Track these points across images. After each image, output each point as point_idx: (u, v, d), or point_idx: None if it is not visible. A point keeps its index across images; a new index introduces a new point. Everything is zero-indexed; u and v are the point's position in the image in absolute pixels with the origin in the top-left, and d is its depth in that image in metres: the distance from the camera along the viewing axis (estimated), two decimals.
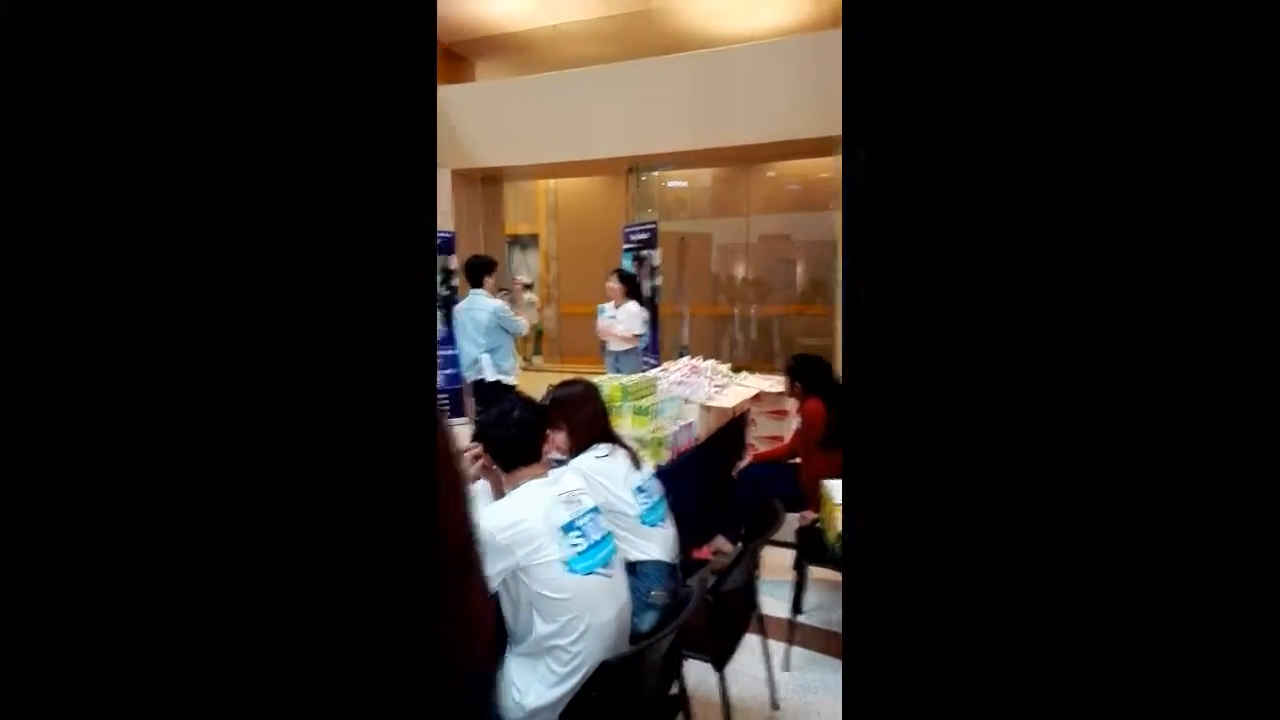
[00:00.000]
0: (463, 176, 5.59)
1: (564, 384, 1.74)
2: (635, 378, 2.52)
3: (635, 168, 5.80)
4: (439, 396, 5.44)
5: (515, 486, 1.36)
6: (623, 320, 4.17)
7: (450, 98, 5.30)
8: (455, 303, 5.43)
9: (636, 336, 4.19)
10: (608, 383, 2.30)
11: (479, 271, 3.52)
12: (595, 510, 1.37)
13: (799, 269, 6.72)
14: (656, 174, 6.06)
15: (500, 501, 1.34)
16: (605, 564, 1.31)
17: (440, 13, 5.32)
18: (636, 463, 1.67)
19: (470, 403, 3.72)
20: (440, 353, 5.41)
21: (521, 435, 1.38)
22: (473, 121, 5.25)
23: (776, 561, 2.31)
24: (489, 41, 6.05)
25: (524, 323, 3.58)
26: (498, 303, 3.51)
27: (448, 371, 5.45)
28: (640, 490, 1.62)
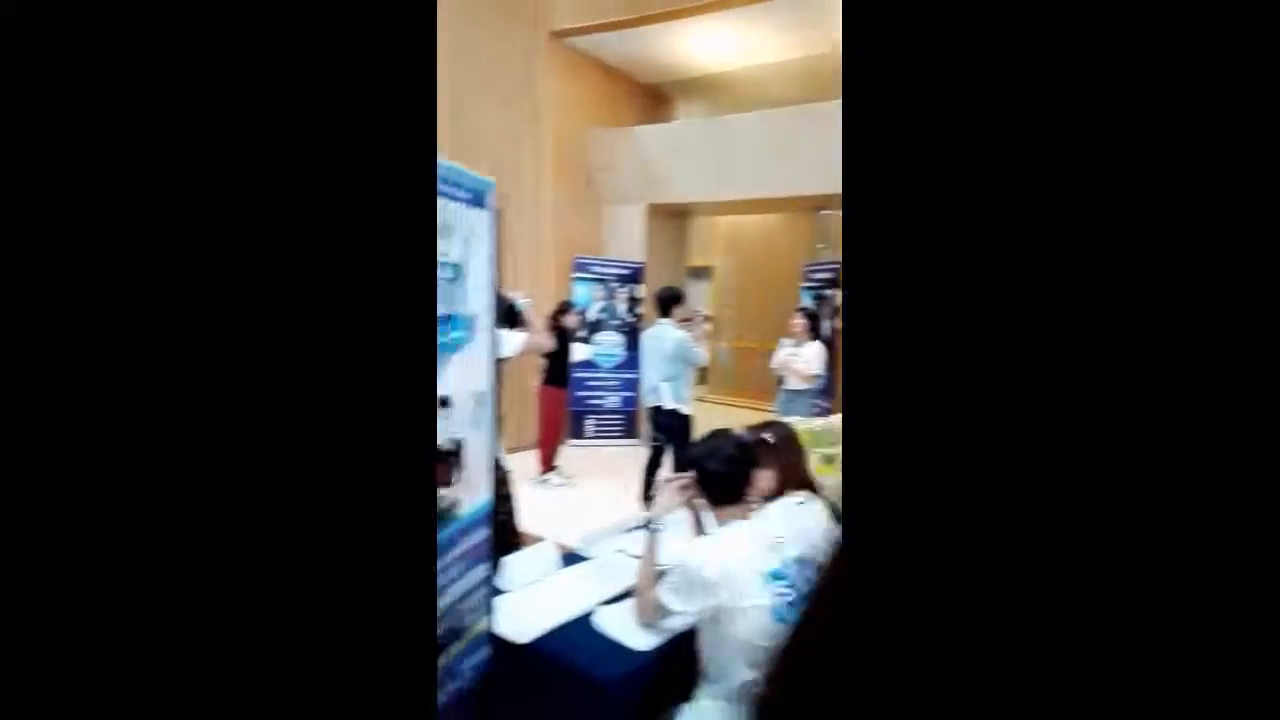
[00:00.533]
0: (655, 211, 5.87)
1: (769, 424, 1.74)
2: (820, 423, 2.46)
3: (822, 206, 5.70)
4: (615, 418, 5.72)
5: (721, 523, 1.39)
6: (805, 357, 4.08)
7: (647, 136, 5.63)
8: (639, 329, 5.74)
9: (815, 376, 4.08)
10: (794, 427, 2.27)
11: (668, 303, 3.69)
12: (802, 560, 1.35)
13: None
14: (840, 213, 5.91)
15: (707, 538, 1.37)
16: None
17: (643, 54, 5.74)
18: (837, 515, 1.62)
19: (646, 427, 3.86)
20: (617, 376, 5.70)
21: (731, 472, 1.41)
22: (669, 159, 5.51)
23: None
24: (689, 83, 6.34)
25: (704, 354, 3.68)
26: (682, 334, 3.65)
27: (625, 394, 5.71)
28: None
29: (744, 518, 1.38)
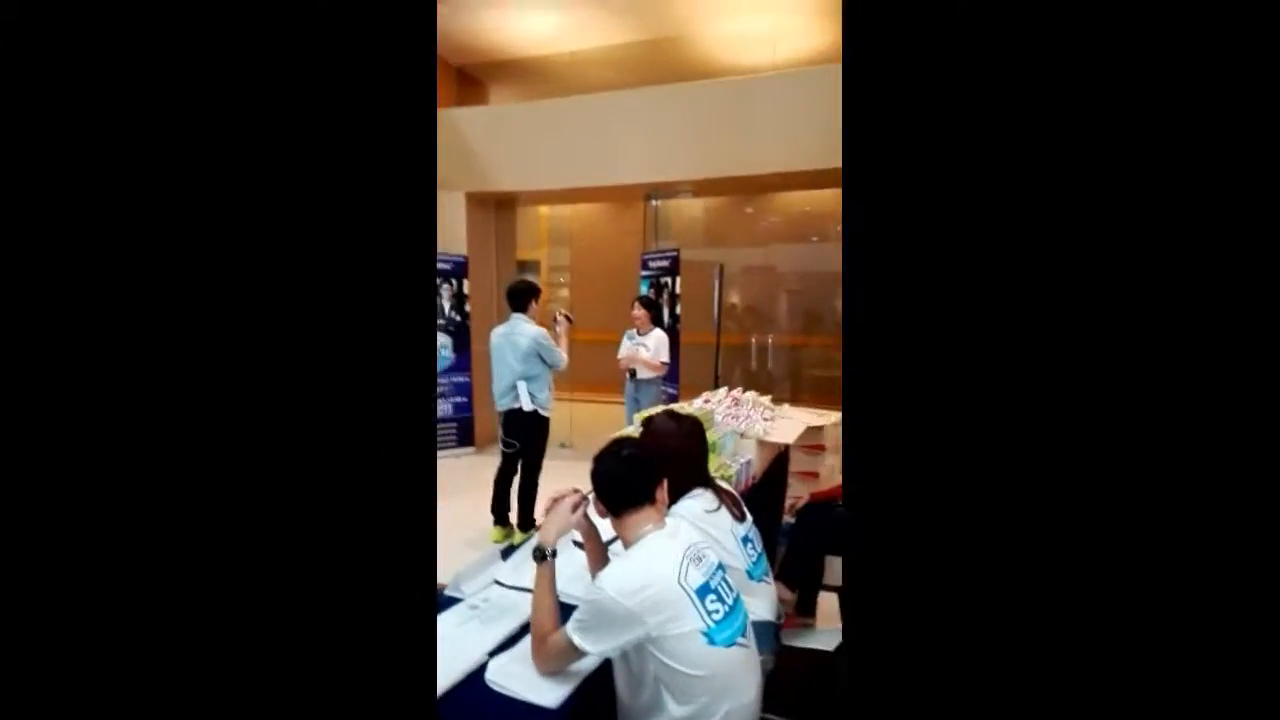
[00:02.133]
0: (477, 200, 5.46)
1: (667, 414, 1.58)
2: (695, 409, 2.37)
3: (652, 194, 5.71)
4: (448, 426, 5.23)
5: (633, 537, 1.19)
6: (652, 347, 4.03)
7: (465, 119, 5.19)
8: (467, 328, 5.29)
9: (664, 364, 4.05)
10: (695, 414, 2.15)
11: (524, 296, 3.36)
12: (722, 567, 1.20)
13: (810, 299, 6.66)
14: (674, 201, 5.99)
15: (621, 561, 1.16)
16: (743, 632, 1.14)
17: (452, 33, 5.30)
18: (740, 511, 1.50)
19: (498, 434, 3.55)
20: (447, 380, 5.22)
21: (633, 475, 1.22)
22: (488, 144, 5.13)
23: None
24: (504, 65, 5.99)
25: (563, 356, 3.41)
26: (539, 330, 3.35)
27: (456, 400, 5.25)
28: (746, 541, 1.46)
29: (656, 524, 1.19)
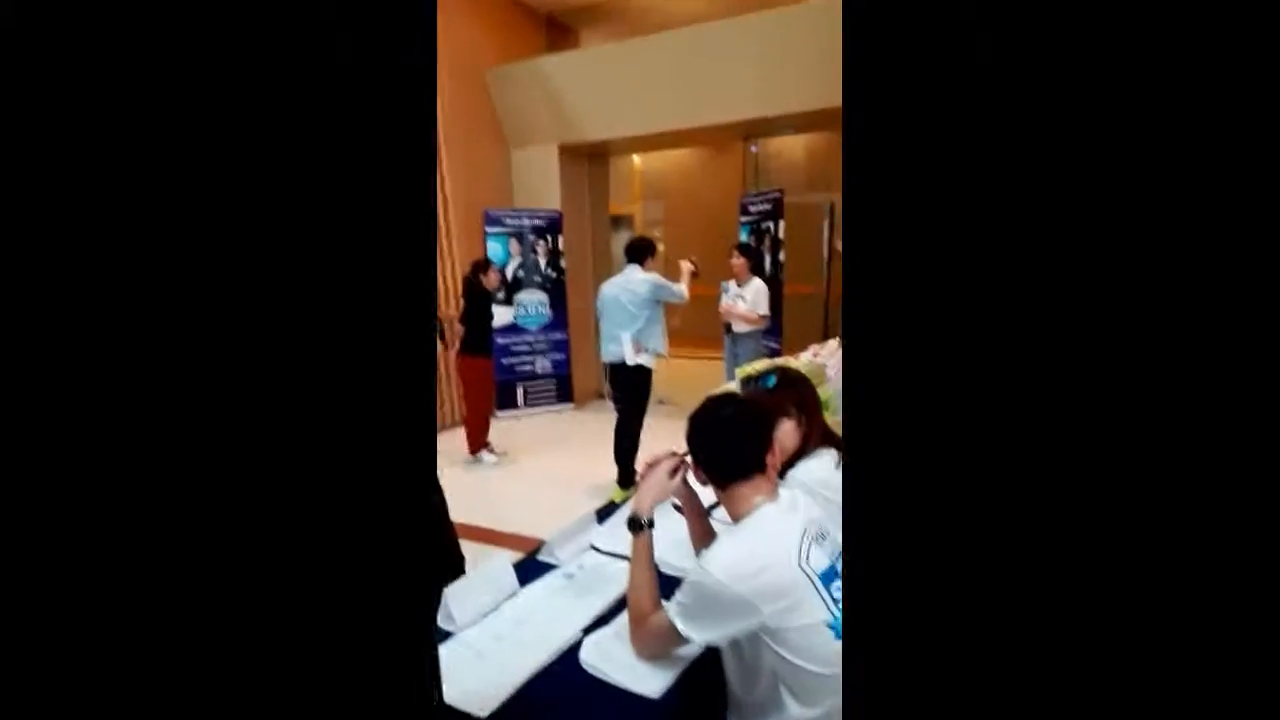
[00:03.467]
0: (569, 152, 5.33)
1: (775, 369, 1.39)
2: (804, 363, 2.14)
3: (750, 134, 5.34)
4: (546, 382, 5.27)
5: (743, 510, 1.02)
6: (749, 298, 3.78)
7: (554, 67, 5.02)
8: (563, 285, 5.25)
9: (763, 317, 3.80)
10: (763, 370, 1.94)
11: (643, 251, 3.38)
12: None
13: None
14: (774, 141, 5.59)
15: (730, 538, 0.99)
16: None
17: None
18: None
19: (605, 388, 3.59)
20: (545, 337, 5.24)
21: (741, 441, 1.04)
22: (579, 92, 4.95)
23: None
24: (594, 7, 5.74)
25: (684, 290, 3.38)
26: (654, 275, 3.32)
27: (555, 357, 5.27)
28: None
29: (769, 497, 1.02)
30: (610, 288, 3.35)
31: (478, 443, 4.06)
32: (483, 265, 3.92)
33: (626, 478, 3.35)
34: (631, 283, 3.28)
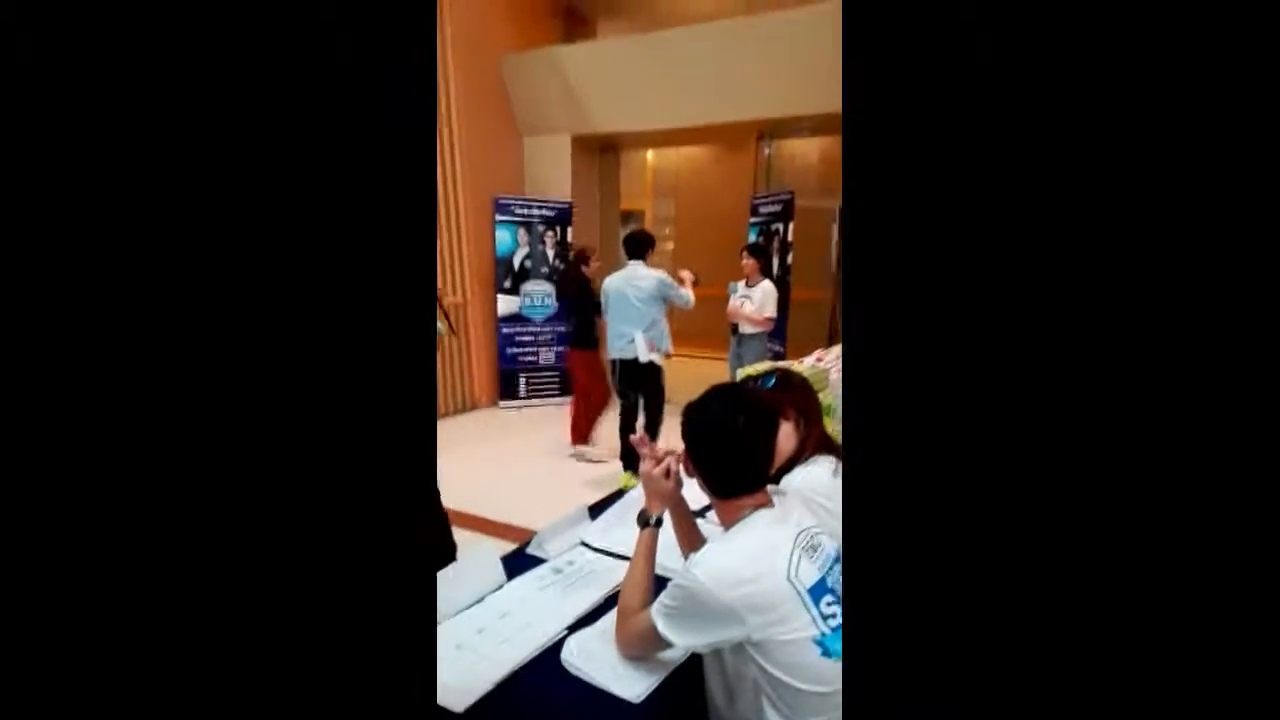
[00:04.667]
0: (581, 144, 5.29)
1: (774, 371, 1.36)
2: (807, 368, 2.11)
3: (764, 133, 5.29)
4: (549, 374, 5.25)
5: (735, 517, 1.00)
6: (757, 300, 3.75)
7: (568, 57, 4.98)
8: (570, 276, 5.21)
9: (769, 319, 3.77)
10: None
11: (643, 244, 3.30)
12: (839, 560, 0.98)
13: None
14: (788, 143, 5.53)
15: (720, 544, 0.97)
16: None
17: None
18: None
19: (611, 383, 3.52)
20: (551, 328, 5.21)
21: (750, 457, 1.00)
22: (593, 84, 4.91)
23: None
24: None
25: (690, 295, 3.33)
26: (661, 272, 3.25)
27: (559, 349, 5.24)
28: None
29: (763, 504, 0.99)
30: (615, 282, 3.31)
31: (581, 433, 3.84)
32: (585, 254, 3.71)
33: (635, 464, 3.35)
34: (637, 278, 3.24)
